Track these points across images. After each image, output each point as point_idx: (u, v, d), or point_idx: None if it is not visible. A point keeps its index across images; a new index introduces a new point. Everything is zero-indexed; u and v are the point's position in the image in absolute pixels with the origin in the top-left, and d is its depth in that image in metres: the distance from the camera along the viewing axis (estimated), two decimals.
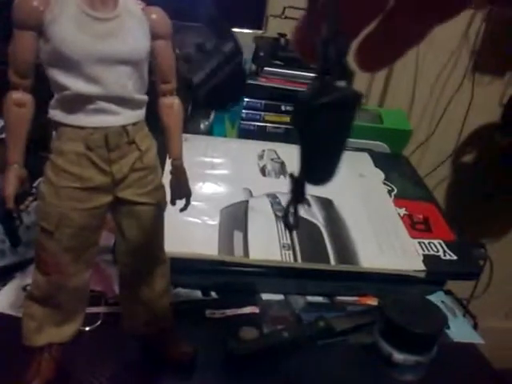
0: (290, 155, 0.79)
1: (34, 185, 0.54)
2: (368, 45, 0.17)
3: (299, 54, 0.18)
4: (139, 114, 0.37)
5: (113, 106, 0.35)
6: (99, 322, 0.52)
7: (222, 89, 0.20)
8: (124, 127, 0.36)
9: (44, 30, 0.33)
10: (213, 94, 0.19)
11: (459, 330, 0.60)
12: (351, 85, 0.16)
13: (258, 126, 0.91)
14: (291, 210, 0.19)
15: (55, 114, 0.35)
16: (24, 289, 0.54)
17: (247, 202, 0.66)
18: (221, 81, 0.19)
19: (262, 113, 0.90)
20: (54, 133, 0.37)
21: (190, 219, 0.60)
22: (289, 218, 0.19)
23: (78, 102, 0.34)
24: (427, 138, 1.16)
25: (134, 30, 0.35)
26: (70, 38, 0.32)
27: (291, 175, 0.18)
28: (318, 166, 0.18)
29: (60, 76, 0.33)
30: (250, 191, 0.69)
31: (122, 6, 0.34)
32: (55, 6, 0.32)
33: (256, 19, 0.93)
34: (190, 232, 0.59)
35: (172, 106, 0.39)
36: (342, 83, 0.16)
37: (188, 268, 0.56)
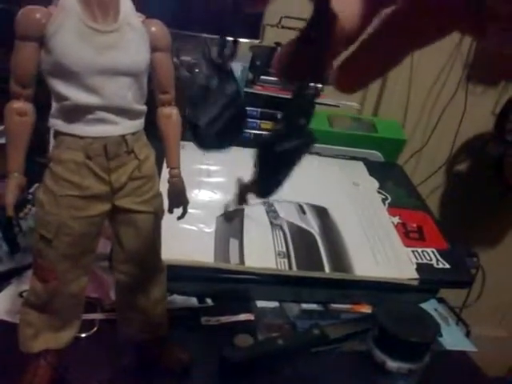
0: None
1: (31, 191, 0.54)
2: (348, 65, 0.18)
3: (280, 79, 0.19)
4: (138, 123, 0.38)
5: (112, 116, 0.36)
6: (95, 329, 0.52)
7: (226, 131, 0.20)
8: (123, 137, 0.37)
9: (46, 41, 0.33)
10: (217, 136, 0.20)
11: (452, 338, 0.61)
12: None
13: (254, 134, 0.92)
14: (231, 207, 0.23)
15: (55, 123, 0.36)
16: (20, 295, 0.54)
17: (243, 209, 0.67)
18: (224, 123, 0.20)
19: (258, 121, 0.91)
20: (53, 141, 0.38)
21: (187, 226, 0.61)
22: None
23: (78, 112, 0.35)
24: (421, 147, 1.17)
25: (134, 43, 0.35)
26: (71, 50, 0.33)
27: (239, 180, 0.21)
28: (267, 184, 0.22)
29: (61, 86, 0.34)
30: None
31: (122, 19, 0.35)
32: (57, 18, 0.33)
33: (253, 29, 0.94)
34: (186, 239, 0.59)
35: (170, 115, 0.40)
36: (302, 121, 0.19)
37: (184, 275, 0.56)
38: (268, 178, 0.21)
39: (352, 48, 0.18)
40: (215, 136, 0.23)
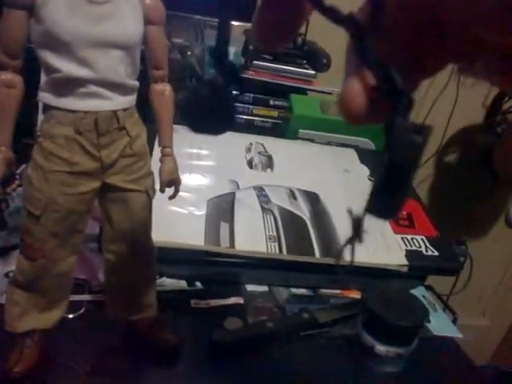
0: (277, 149, 0.79)
1: (18, 171, 0.53)
2: None
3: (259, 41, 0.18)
4: (130, 99, 0.37)
5: (104, 91, 0.35)
6: (83, 310, 0.51)
7: (212, 116, 0.20)
8: (114, 112, 0.36)
9: (36, 10, 0.32)
10: (204, 119, 0.20)
11: (439, 325, 0.61)
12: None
13: (246, 119, 0.91)
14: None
15: (45, 96, 0.35)
16: (6, 275, 0.53)
17: (234, 193, 0.66)
18: (211, 108, 0.19)
19: (251, 106, 0.91)
20: (42, 116, 0.37)
21: (177, 209, 0.60)
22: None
23: (69, 85, 0.34)
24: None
25: (127, 15, 0.34)
26: (62, 20, 0.32)
27: (351, 212, 0.18)
28: (393, 198, 0.17)
29: (52, 58, 0.33)
30: (237, 183, 0.69)
31: None
32: None
33: (247, 11, 0.93)
34: (177, 222, 0.59)
35: (164, 92, 0.39)
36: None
37: (174, 258, 0.56)
38: (395, 189, 0.17)
39: None
40: (199, 121, 0.22)
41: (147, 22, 0.36)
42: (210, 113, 0.22)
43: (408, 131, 0.15)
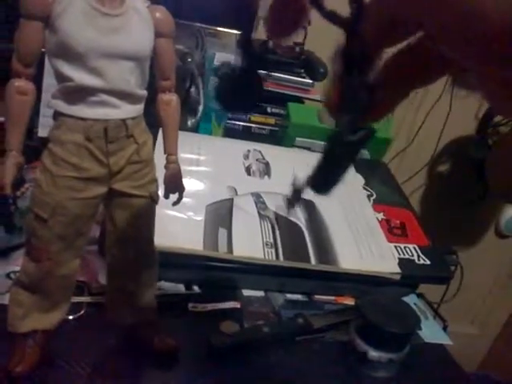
0: (275, 156, 0.80)
1: None
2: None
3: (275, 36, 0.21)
4: (139, 108, 0.38)
5: (114, 100, 0.36)
6: (83, 312, 0.52)
7: (244, 94, 0.22)
8: (123, 121, 0.37)
9: (51, 21, 0.33)
10: (237, 99, 0.21)
11: (430, 332, 0.63)
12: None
13: (243, 125, 0.92)
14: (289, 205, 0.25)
15: (57, 103, 0.36)
16: (8, 276, 0.54)
17: (232, 200, 0.68)
18: (242, 87, 0.21)
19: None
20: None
21: (176, 214, 0.61)
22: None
23: (81, 94, 0.35)
24: (406, 146, 1.20)
25: (138, 27, 0.36)
26: (76, 31, 0.33)
27: (295, 178, 0.22)
28: (328, 179, 0.23)
29: (64, 67, 0.34)
30: (235, 189, 0.70)
31: (128, 4, 0.35)
32: None
33: (246, 21, 0.94)
34: (176, 227, 0.60)
35: (170, 102, 0.40)
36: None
37: (173, 262, 0.57)
38: (330, 172, 0.22)
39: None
40: (232, 101, 0.24)
41: (157, 34, 0.37)
42: (242, 91, 0.24)
43: (346, 130, 0.20)
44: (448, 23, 0.14)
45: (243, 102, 0.25)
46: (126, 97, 0.37)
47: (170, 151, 0.42)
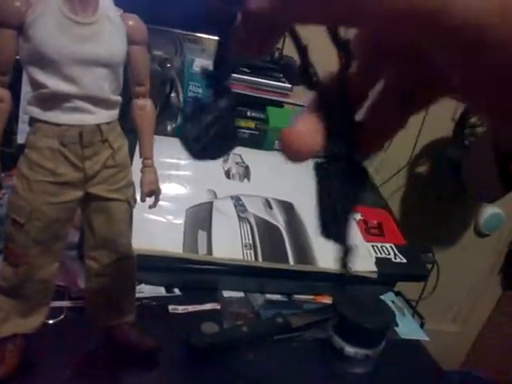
0: (254, 160, 0.82)
1: None
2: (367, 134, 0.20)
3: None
4: (113, 113, 0.39)
5: (89, 106, 0.37)
6: (63, 316, 0.53)
7: (213, 145, 0.21)
8: (98, 126, 0.38)
9: (25, 29, 0.34)
10: (203, 151, 0.21)
11: (407, 329, 0.64)
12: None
13: None
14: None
15: (32, 110, 0.37)
16: None
17: (212, 203, 0.69)
18: (212, 139, 0.20)
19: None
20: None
21: (156, 218, 0.62)
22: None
23: (56, 100, 0.36)
24: (384, 149, 1.22)
25: (111, 35, 0.37)
26: (50, 39, 0.34)
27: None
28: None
29: (39, 74, 0.35)
30: (215, 193, 0.71)
31: (101, 12, 0.36)
32: (37, 7, 0.34)
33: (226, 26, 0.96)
34: (156, 230, 0.60)
35: (145, 107, 0.41)
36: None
37: (153, 265, 0.58)
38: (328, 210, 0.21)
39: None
40: (201, 150, 0.22)
41: (130, 41, 0.38)
42: (212, 142, 0.22)
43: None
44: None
45: (212, 152, 0.23)
46: (100, 103, 0.37)
47: (146, 155, 0.43)
